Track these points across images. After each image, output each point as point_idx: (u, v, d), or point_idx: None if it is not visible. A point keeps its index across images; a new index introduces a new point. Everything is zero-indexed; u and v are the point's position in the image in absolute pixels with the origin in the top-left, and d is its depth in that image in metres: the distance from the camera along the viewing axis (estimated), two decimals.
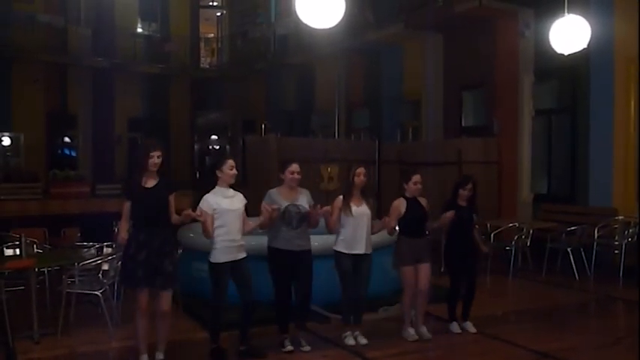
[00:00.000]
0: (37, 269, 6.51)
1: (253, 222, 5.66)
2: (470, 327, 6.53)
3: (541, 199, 11.54)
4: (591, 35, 7.62)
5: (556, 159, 11.63)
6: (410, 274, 6.13)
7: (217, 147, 21.24)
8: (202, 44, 22.26)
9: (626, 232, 9.35)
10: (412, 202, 6.19)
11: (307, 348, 5.82)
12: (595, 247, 9.40)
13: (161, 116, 20.90)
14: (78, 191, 13.50)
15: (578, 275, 9.26)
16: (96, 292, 6.25)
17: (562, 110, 11.58)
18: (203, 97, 21.46)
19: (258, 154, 11.81)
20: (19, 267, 6.41)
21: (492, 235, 9.61)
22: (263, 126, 13.96)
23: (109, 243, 7.29)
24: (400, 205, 6.15)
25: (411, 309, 6.26)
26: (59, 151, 19.89)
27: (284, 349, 5.73)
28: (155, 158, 5.17)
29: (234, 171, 5.52)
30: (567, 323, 7.25)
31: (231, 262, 5.43)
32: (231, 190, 5.55)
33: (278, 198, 5.72)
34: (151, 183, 5.22)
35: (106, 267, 6.65)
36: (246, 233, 5.62)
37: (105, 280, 6.52)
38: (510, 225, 9.92)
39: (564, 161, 11.33)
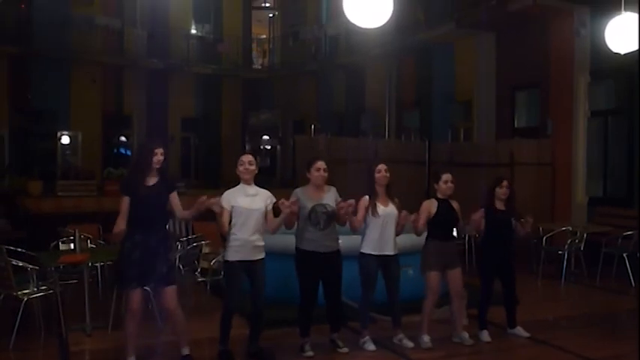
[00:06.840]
0: (90, 264, 6.73)
1: (277, 220, 5.38)
2: (521, 332, 6.35)
3: (596, 203, 11.21)
4: None
5: (612, 161, 11.29)
6: (435, 280, 5.89)
7: (268, 147, 21.41)
8: (254, 45, 22.50)
9: None
10: (443, 204, 5.97)
11: (345, 349, 5.69)
12: None
13: (213, 116, 21.21)
14: None
15: (634, 281, 8.97)
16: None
17: (619, 111, 11.25)
18: (254, 97, 21.67)
19: (308, 154, 11.86)
20: (74, 261, 6.62)
21: (545, 238, 9.40)
22: (313, 126, 14.00)
23: None
24: (431, 205, 5.95)
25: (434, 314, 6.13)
26: (114, 150, 20.42)
27: (304, 354, 5.55)
28: (159, 155, 5.12)
29: (246, 167, 5.32)
30: (621, 330, 7.05)
31: (246, 261, 5.27)
32: (255, 187, 5.39)
33: (303, 198, 5.53)
34: (151, 181, 5.12)
35: None
36: (272, 233, 5.43)
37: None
38: (563, 228, 9.67)
39: (621, 164, 10.99)
